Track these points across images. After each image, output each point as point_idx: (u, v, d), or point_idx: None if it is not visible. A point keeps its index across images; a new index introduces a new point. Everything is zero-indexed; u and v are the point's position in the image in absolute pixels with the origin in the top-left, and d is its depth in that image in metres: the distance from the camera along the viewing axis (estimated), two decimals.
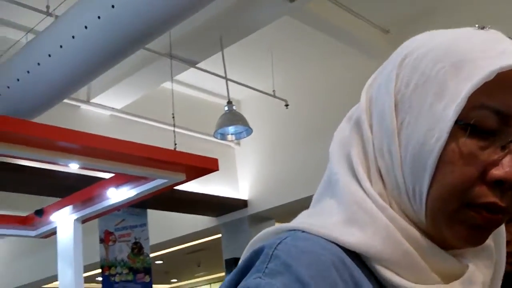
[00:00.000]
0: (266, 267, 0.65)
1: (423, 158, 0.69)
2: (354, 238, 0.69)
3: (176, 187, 5.52)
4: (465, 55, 0.70)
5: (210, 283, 18.59)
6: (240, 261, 0.72)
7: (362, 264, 0.70)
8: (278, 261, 0.65)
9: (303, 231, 0.71)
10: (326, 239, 0.69)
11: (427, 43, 0.74)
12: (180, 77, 7.64)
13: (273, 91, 8.30)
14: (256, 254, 0.68)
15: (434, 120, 0.69)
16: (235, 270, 0.70)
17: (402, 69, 0.74)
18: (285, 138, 8.65)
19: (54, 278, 6.10)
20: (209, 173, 5.23)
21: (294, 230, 0.72)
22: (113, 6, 4.61)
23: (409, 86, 0.73)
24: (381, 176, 0.74)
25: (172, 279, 18.37)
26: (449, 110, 0.68)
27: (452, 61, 0.70)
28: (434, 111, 0.69)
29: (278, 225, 0.75)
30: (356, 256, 0.69)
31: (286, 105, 8.35)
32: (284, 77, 8.39)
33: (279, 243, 0.67)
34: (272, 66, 8.07)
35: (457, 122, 0.68)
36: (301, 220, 0.76)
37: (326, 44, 7.46)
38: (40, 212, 6.14)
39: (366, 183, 0.73)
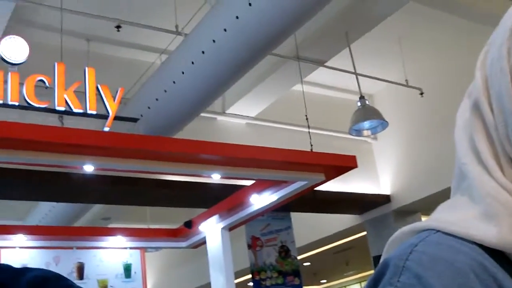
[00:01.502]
0: (398, 281, 0.61)
1: None
2: (492, 234, 0.62)
3: (317, 188, 5.52)
4: None
5: (360, 282, 18.40)
6: (373, 272, 0.67)
7: (508, 262, 0.63)
8: (410, 273, 0.61)
9: (438, 231, 0.65)
10: (462, 239, 0.63)
11: None
12: (310, 78, 7.65)
13: (406, 80, 8.08)
14: (387, 265, 0.64)
15: None
16: (368, 281, 0.67)
17: None
18: (423, 127, 8.38)
19: (208, 286, 6.31)
20: (348, 171, 5.18)
21: (428, 229, 0.67)
22: (237, 17, 4.71)
23: None
24: None
25: (321, 279, 18.39)
26: None
27: None
28: None
29: (412, 224, 0.70)
30: (498, 254, 0.63)
31: (421, 93, 8.10)
32: (416, 64, 8.14)
33: (410, 252, 0.63)
34: (402, 55, 7.86)
35: None
36: (436, 217, 0.70)
37: (455, 25, 7.15)
38: (189, 224, 6.39)
39: (497, 173, 0.65)
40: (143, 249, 6.81)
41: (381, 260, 0.68)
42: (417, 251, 0.63)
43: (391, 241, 0.74)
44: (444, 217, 0.69)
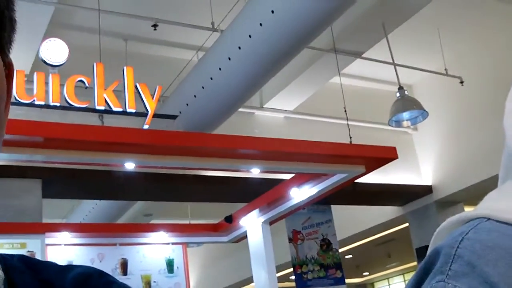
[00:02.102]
0: (450, 269, 0.59)
1: None
2: None
3: (357, 180, 5.48)
4: None
5: (403, 273, 18.24)
6: (422, 261, 0.66)
7: None
8: (462, 261, 0.59)
9: (489, 219, 0.63)
10: None
11: None
12: (348, 70, 7.60)
13: (445, 69, 7.95)
14: (437, 253, 0.62)
15: None
16: (417, 270, 0.64)
17: None
18: (464, 117, 8.25)
19: (250, 280, 6.34)
20: (388, 162, 5.14)
21: (478, 218, 0.65)
22: (272, 12, 4.69)
23: None
24: None
25: (363, 272, 18.30)
26: None
27: None
28: None
29: (460, 214, 0.68)
30: None
31: (461, 82, 7.96)
32: (455, 53, 8.01)
33: (461, 240, 0.61)
34: (441, 44, 7.74)
35: None
36: (486, 205, 0.68)
37: (495, 11, 7.01)
38: (229, 219, 6.43)
39: None
40: (185, 244, 6.88)
41: (429, 249, 0.66)
42: (468, 238, 0.61)
43: (438, 232, 0.71)
44: (494, 205, 0.67)
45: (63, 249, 6.11)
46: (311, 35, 4.96)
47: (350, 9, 4.96)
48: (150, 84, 5.39)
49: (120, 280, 0.72)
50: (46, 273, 0.69)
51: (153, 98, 5.32)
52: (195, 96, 5.80)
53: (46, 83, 4.95)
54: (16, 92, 4.72)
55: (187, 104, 5.89)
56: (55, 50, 4.99)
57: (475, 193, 8.09)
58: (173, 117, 5.84)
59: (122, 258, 6.36)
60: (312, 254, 8.11)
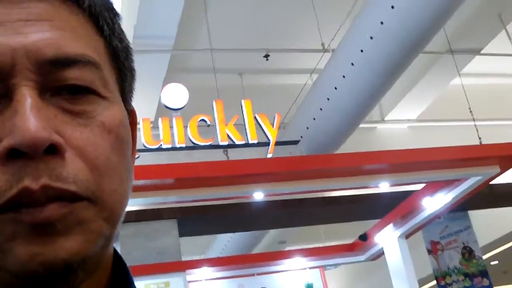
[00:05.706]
0: None
1: None
2: None
3: (493, 181, 5.24)
4: None
5: None
6: None
7: None
8: None
9: None
10: None
11: None
12: (468, 69, 7.31)
13: None
14: None
15: None
16: None
17: None
18: None
19: None
20: None
21: None
22: (382, 23, 4.62)
23: None
24: None
25: None
26: None
27: None
28: None
29: None
30: None
31: None
32: None
33: None
34: None
35: None
36: None
37: None
38: (364, 237, 6.33)
39: None
40: (322, 268, 6.82)
41: None
42: None
43: None
44: None
45: (204, 284, 6.26)
46: (425, 40, 4.83)
47: (461, 6, 4.79)
48: (269, 113, 5.46)
49: None
50: None
51: (273, 126, 5.38)
52: (314, 119, 5.80)
53: (171, 127, 5.15)
54: (144, 139, 4.94)
55: (307, 128, 5.91)
56: (176, 94, 5.20)
57: None
58: (295, 142, 5.87)
59: None
60: (454, 263, 7.79)
